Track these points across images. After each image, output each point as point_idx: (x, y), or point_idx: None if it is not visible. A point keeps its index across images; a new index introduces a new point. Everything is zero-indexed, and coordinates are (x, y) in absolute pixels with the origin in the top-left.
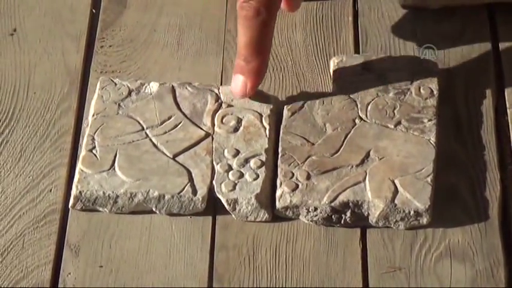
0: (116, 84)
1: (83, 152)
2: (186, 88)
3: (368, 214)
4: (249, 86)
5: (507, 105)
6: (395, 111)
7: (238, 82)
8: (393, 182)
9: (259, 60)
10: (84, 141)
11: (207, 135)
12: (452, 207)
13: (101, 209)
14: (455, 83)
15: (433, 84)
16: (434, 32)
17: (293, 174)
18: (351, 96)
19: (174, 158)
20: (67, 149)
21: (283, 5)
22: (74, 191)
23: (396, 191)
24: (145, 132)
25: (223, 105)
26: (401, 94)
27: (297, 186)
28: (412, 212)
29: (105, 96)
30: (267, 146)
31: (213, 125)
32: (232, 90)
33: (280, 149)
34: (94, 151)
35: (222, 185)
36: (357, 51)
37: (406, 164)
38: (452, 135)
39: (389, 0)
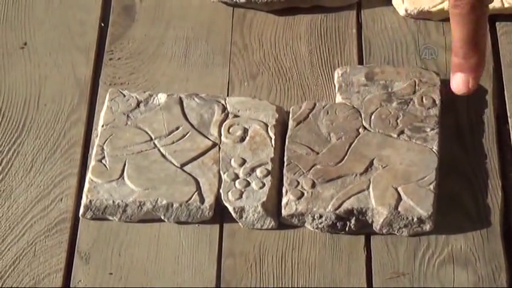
0: (124, 95)
1: (92, 162)
2: (194, 99)
3: (372, 221)
4: (471, 82)
5: (508, 114)
6: (398, 121)
7: (459, 80)
8: (396, 189)
9: (478, 55)
10: (94, 152)
11: (214, 145)
12: (455, 214)
13: (110, 217)
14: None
15: (435, 94)
16: (436, 43)
17: (298, 182)
18: (355, 106)
19: (181, 167)
20: (77, 159)
21: None
22: (84, 200)
23: (399, 198)
24: (154, 143)
25: (230, 116)
26: (404, 104)
27: (303, 194)
28: (415, 219)
29: (114, 107)
30: (272, 155)
31: (219, 135)
32: (453, 88)
33: (285, 158)
34: (103, 161)
35: (229, 193)
36: (360, 62)
37: (409, 172)
38: (455, 143)
39: (392, 12)
